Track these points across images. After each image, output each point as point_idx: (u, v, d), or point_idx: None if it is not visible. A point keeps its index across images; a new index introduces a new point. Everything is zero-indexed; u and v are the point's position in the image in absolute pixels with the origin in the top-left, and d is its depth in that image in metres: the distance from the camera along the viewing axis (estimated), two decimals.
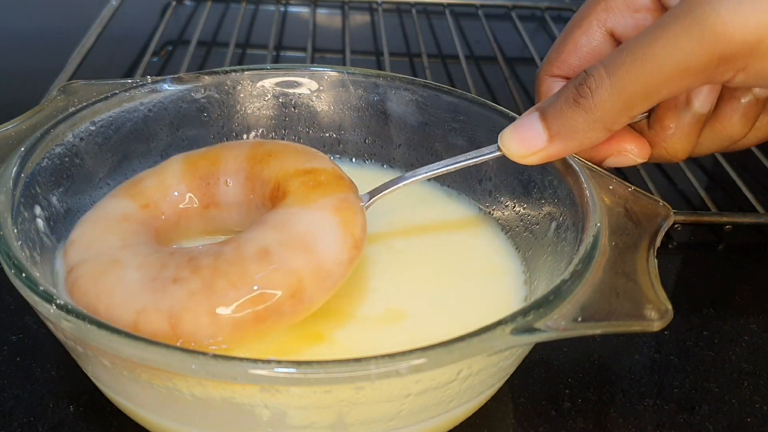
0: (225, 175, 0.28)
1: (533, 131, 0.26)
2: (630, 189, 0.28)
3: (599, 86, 0.24)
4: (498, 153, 0.27)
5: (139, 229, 0.27)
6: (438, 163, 0.28)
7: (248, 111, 0.35)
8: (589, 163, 0.29)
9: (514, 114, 0.31)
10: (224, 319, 0.23)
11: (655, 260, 0.25)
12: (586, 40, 0.30)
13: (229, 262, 0.24)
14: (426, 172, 0.28)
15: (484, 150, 0.28)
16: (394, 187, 0.28)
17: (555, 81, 0.31)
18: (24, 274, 0.22)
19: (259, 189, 0.28)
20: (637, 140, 0.28)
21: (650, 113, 0.28)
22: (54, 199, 0.28)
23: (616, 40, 0.30)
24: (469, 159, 0.28)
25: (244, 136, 0.35)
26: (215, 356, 0.20)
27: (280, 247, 0.24)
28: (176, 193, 0.28)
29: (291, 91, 0.35)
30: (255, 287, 0.23)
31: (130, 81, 0.32)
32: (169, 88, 0.33)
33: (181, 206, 0.29)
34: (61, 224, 0.28)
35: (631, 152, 0.28)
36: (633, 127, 0.29)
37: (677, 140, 0.28)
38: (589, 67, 0.25)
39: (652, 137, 0.28)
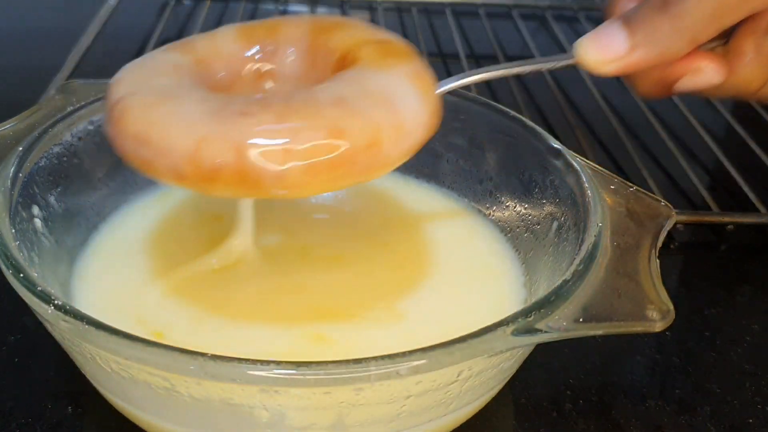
0: (284, 44, 0.26)
1: (615, 38, 0.25)
2: (632, 189, 0.28)
3: None
4: (572, 60, 0.26)
5: (192, 79, 0.24)
6: (507, 63, 0.27)
7: None
8: (591, 163, 0.29)
9: (515, 113, 0.31)
10: (296, 158, 0.21)
11: (657, 260, 0.25)
12: None
13: (303, 102, 0.21)
14: (493, 71, 0.26)
15: (558, 56, 0.26)
16: (464, 80, 0.26)
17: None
18: (22, 275, 0.22)
19: (321, 60, 0.25)
20: (714, 59, 0.27)
21: (727, 39, 0.27)
22: (52, 199, 0.28)
23: None
24: (541, 63, 0.26)
25: None
26: (214, 357, 0.20)
27: (357, 98, 0.22)
28: (229, 57, 0.26)
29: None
30: (332, 129, 0.21)
31: None
32: None
33: (234, 72, 0.26)
34: (59, 224, 0.28)
35: (708, 70, 0.26)
36: None
37: (754, 67, 0.27)
38: None
39: (727, 64, 0.27)
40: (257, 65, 0.26)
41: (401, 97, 0.23)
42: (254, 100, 0.22)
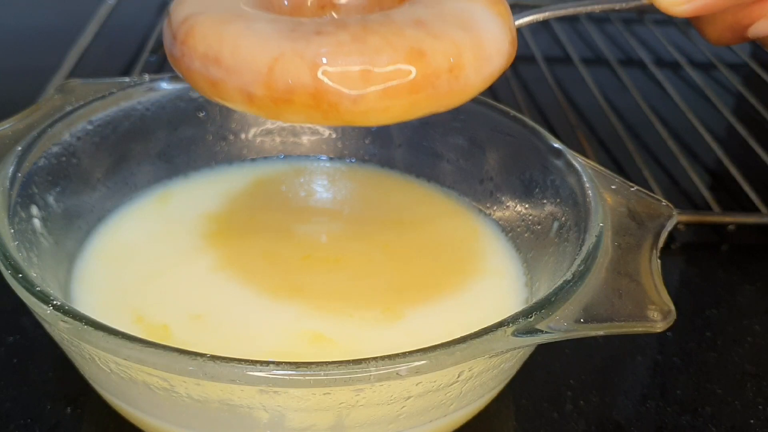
0: None
1: None
2: (633, 189, 0.28)
3: None
4: (644, 1, 0.25)
5: (256, 3, 0.23)
6: (579, 1, 0.26)
7: None
8: (592, 163, 0.29)
9: (516, 113, 0.31)
10: (376, 79, 0.20)
11: (658, 261, 0.25)
12: None
13: (380, 23, 0.20)
14: (568, 8, 0.25)
15: None
16: (537, 15, 0.25)
17: None
18: (20, 275, 0.22)
19: None
20: None
21: None
22: (51, 199, 0.28)
23: None
24: (613, 1, 0.25)
25: (243, 136, 0.35)
26: (213, 357, 0.20)
27: (437, 20, 0.21)
28: None
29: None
30: (412, 50, 0.20)
31: (127, 79, 0.32)
32: (166, 87, 0.32)
33: (297, 2, 0.25)
34: (58, 224, 0.28)
35: None
36: None
37: None
38: None
39: None
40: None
41: (482, 21, 0.22)
42: (329, 20, 0.21)
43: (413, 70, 0.20)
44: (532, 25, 0.62)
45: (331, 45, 0.20)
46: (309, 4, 0.25)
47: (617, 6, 0.25)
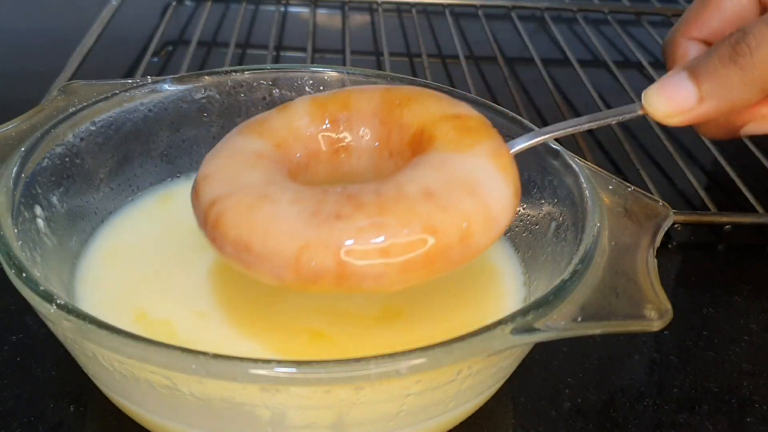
0: (358, 118, 0.26)
1: (682, 90, 0.25)
2: (630, 189, 0.28)
3: (760, 44, 0.24)
4: (639, 113, 0.26)
5: (275, 167, 0.25)
6: (574, 119, 0.27)
7: (248, 111, 0.35)
8: (589, 163, 0.29)
9: (514, 114, 0.31)
10: (393, 258, 0.22)
11: (655, 260, 0.25)
12: (730, 3, 0.29)
13: (393, 200, 0.22)
14: (563, 129, 0.26)
15: (625, 108, 0.26)
16: (535, 140, 0.26)
17: (692, 44, 0.29)
18: (24, 274, 0.22)
19: (396, 134, 0.26)
20: None
21: None
22: (54, 199, 0.28)
23: (763, 6, 0.29)
24: (609, 117, 0.26)
25: None
26: (215, 356, 0.20)
27: (444, 189, 0.23)
28: (306, 136, 0.26)
29: (291, 91, 0.35)
30: (426, 227, 0.22)
31: (130, 81, 0.32)
32: (169, 88, 0.32)
33: (311, 150, 0.26)
34: (62, 224, 0.28)
35: None
36: None
37: None
38: (743, 26, 0.24)
39: None
40: (333, 142, 0.26)
41: (487, 184, 0.23)
42: (345, 198, 0.22)
43: (428, 245, 0.22)
44: (529, 27, 0.62)
45: (350, 230, 0.22)
46: (323, 150, 0.27)
47: (612, 121, 0.27)
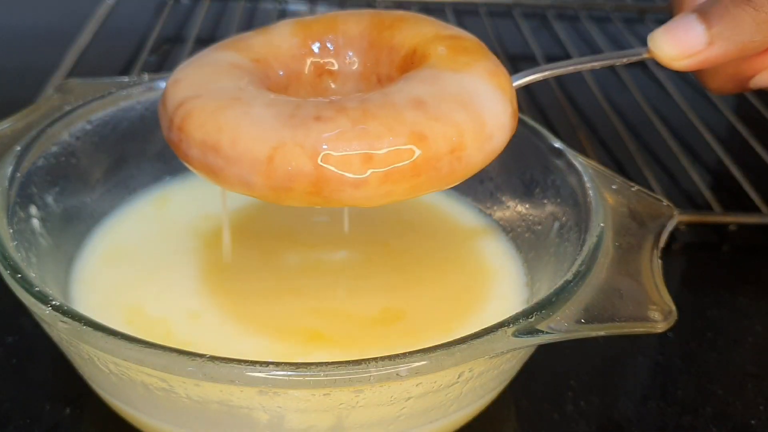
0: (345, 40, 0.24)
1: (691, 32, 0.24)
2: (633, 189, 0.27)
3: None
4: (645, 56, 0.25)
5: (251, 79, 0.22)
6: (577, 59, 0.26)
7: None
8: (593, 162, 0.29)
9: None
10: (377, 165, 0.20)
11: (659, 261, 0.25)
12: None
13: (379, 106, 0.20)
14: (565, 67, 0.25)
15: (630, 51, 0.25)
16: (536, 75, 0.25)
17: None
18: (19, 275, 0.22)
19: (385, 57, 0.24)
20: None
21: None
22: (50, 199, 0.28)
23: None
24: (613, 59, 0.25)
25: None
26: (212, 358, 0.19)
27: (436, 100, 0.21)
28: (288, 55, 0.24)
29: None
30: (413, 134, 0.20)
31: (126, 79, 0.32)
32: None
33: (292, 69, 0.24)
34: (57, 224, 0.28)
35: None
36: None
37: None
38: None
39: None
40: (317, 64, 0.25)
41: (482, 99, 0.22)
42: (327, 102, 0.21)
43: (415, 154, 0.20)
44: (532, 24, 0.62)
45: (331, 132, 0.20)
46: (306, 72, 0.25)
47: (617, 62, 0.26)
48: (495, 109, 0.22)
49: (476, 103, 0.21)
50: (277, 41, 0.25)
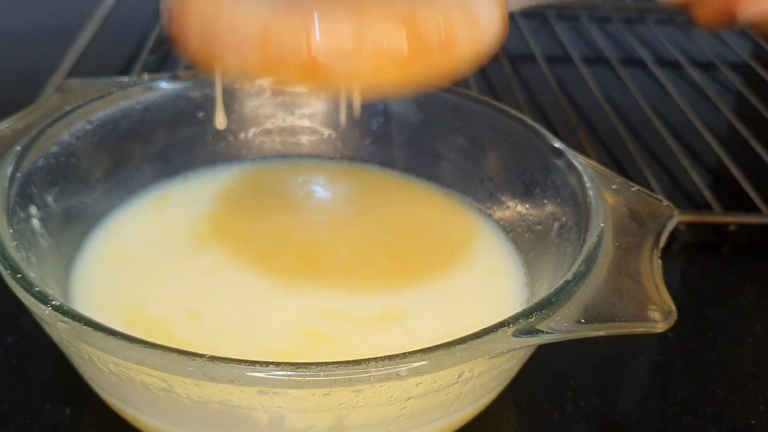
0: None
1: None
2: (633, 189, 0.27)
3: None
4: None
5: None
6: None
7: (246, 110, 0.34)
8: (593, 162, 0.29)
9: (516, 113, 0.31)
10: (370, 46, 0.20)
11: (659, 261, 0.25)
12: None
13: None
14: None
15: None
16: (528, 1, 0.26)
17: None
18: (19, 275, 0.22)
19: None
20: None
21: None
22: (50, 199, 0.28)
23: None
24: None
25: (242, 136, 0.35)
26: (212, 358, 0.19)
27: None
28: None
29: (289, 89, 0.34)
30: (406, 20, 0.20)
31: (126, 79, 0.32)
32: (166, 87, 0.32)
33: None
34: (57, 224, 0.28)
35: None
36: None
37: None
38: None
39: None
40: None
41: (475, 1, 0.22)
42: None
43: (406, 40, 0.20)
44: (532, 24, 0.62)
45: (323, 15, 0.20)
46: None
47: None
48: (487, 10, 0.22)
49: (470, 3, 0.22)
50: None
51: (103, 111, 0.31)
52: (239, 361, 0.19)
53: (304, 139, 0.36)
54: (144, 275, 0.29)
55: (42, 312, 0.21)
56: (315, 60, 0.20)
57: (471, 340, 0.20)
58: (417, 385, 0.21)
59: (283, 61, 0.20)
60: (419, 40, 0.21)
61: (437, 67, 0.21)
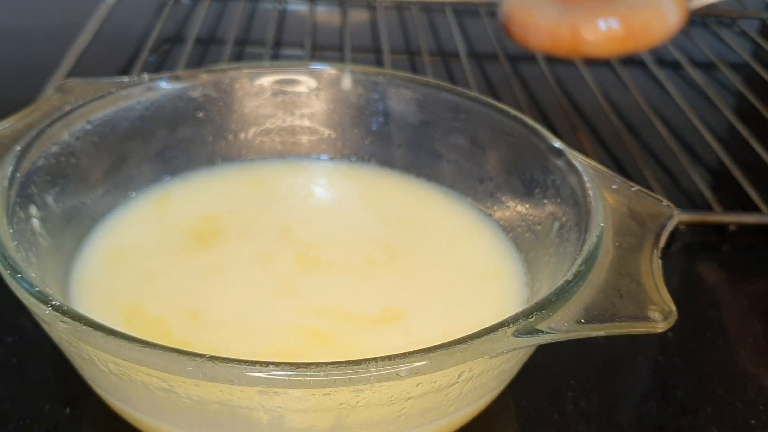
0: None
1: None
2: (634, 189, 0.27)
3: None
4: None
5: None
6: None
7: (246, 109, 0.34)
8: (593, 162, 0.29)
9: (516, 112, 0.31)
10: (605, 32, 0.40)
11: (659, 261, 0.25)
12: None
13: (609, 4, 0.41)
14: None
15: None
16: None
17: None
18: (19, 275, 0.22)
19: None
20: None
21: None
22: (50, 199, 0.28)
23: None
24: None
25: (242, 136, 0.35)
26: (212, 358, 0.19)
27: (640, 5, 0.41)
28: None
29: (289, 89, 0.35)
30: (625, 19, 0.40)
31: (126, 79, 0.32)
32: (166, 87, 0.32)
33: None
34: (57, 224, 0.28)
35: None
36: None
37: None
38: None
39: None
40: None
41: (667, 8, 0.41)
42: (579, 6, 0.41)
43: (624, 29, 0.40)
44: None
45: (583, 15, 0.41)
46: None
47: None
48: (672, 15, 0.41)
49: (663, 9, 0.41)
50: None
51: (103, 111, 0.31)
52: (239, 361, 0.19)
53: (304, 138, 0.36)
54: (144, 275, 0.29)
55: (42, 312, 0.21)
56: (582, 41, 0.40)
57: (471, 340, 0.20)
58: (417, 385, 0.21)
59: (562, 41, 0.40)
60: (632, 29, 0.40)
61: (640, 45, 0.41)
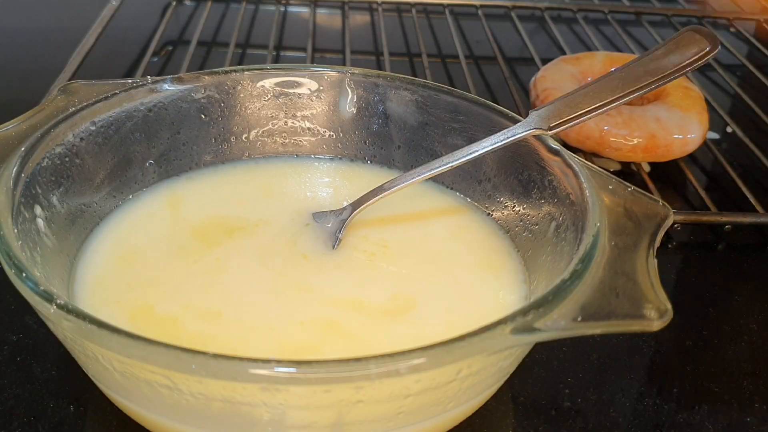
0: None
1: None
2: (630, 189, 0.28)
3: None
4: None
5: (573, 82, 0.47)
6: (420, 168, 0.31)
7: (248, 111, 0.35)
8: (589, 163, 0.29)
9: (514, 114, 0.31)
10: (633, 144, 0.42)
11: (655, 260, 0.25)
12: None
13: (639, 117, 0.43)
14: (405, 182, 0.30)
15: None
16: (378, 197, 0.31)
17: None
18: (24, 274, 0.22)
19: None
20: None
21: None
22: (54, 199, 0.28)
23: None
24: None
25: (244, 137, 0.35)
26: (215, 356, 0.20)
27: (667, 121, 0.43)
28: (597, 71, 0.48)
29: (291, 91, 0.35)
30: (650, 134, 0.42)
31: (130, 81, 0.32)
32: (169, 88, 0.32)
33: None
34: (62, 224, 0.28)
35: None
36: None
37: None
38: None
39: None
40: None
41: (690, 128, 0.43)
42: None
43: (650, 143, 0.43)
44: (529, 26, 0.62)
45: (614, 122, 0.43)
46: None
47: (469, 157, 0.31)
48: (696, 135, 0.43)
49: (687, 129, 0.43)
50: (596, 65, 0.48)
51: (107, 112, 0.31)
52: (242, 359, 0.20)
53: (305, 139, 0.36)
54: (148, 275, 0.29)
55: (47, 311, 0.21)
56: (608, 145, 0.43)
57: (469, 337, 0.21)
58: (416, 382, 0.21)
59: (590, 141, 0.43)
60: (656, 147, 0.43)
61: (659, 158, 0.43)
